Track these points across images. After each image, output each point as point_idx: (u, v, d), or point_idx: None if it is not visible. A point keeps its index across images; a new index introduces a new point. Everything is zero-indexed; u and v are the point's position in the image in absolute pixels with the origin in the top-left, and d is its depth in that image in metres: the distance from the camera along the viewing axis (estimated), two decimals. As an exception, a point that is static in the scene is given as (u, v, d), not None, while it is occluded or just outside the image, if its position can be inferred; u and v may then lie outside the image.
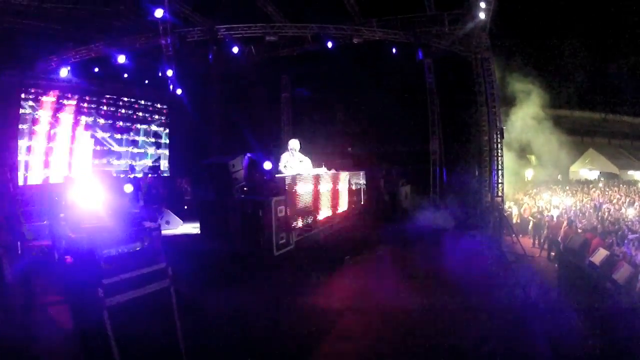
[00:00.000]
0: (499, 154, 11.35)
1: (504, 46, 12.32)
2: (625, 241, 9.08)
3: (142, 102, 14.56)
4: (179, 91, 12.32)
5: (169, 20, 10.71)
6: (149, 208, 10.12)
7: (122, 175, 12.47)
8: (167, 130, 15.36)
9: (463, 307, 5.61)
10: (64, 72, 11.41)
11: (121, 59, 11.36)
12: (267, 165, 6.92)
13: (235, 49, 12.37)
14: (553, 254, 10.12)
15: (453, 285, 6.13)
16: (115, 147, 13.70)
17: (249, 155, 7.59)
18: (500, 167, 11.34)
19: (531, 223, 12.17)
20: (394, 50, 12.16)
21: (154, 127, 14.96)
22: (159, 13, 10.23)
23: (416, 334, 4.95)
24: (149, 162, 14.63)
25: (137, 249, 3.80)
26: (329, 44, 11.78)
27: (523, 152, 17.07)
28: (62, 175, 11.98)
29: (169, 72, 11.62)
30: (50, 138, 12.09)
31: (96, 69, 12.20)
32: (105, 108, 13.48)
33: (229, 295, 5.48)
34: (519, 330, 5.05)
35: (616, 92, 18.45)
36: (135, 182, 11.28)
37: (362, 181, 10.76)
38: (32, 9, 10.25)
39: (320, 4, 11.84)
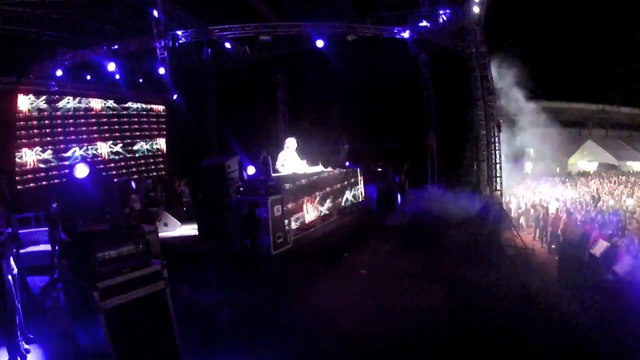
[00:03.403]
0: (497, 148, 11.32)
1: (499, 39, 12.26)
2: (626, 232, 9.05)
3: (138, 104, 14.50)
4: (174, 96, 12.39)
5: (162, 22, 10.67)
6: (147, 210, 10.11)
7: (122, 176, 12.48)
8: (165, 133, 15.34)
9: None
10: (59, 74, 11.37)
11: (111, 66, 11.34)
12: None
13: (229, 48, 12.35)
14: (554, 246, 10.09)
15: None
16: (112, 150, 13.68)
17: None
18: (498, 160, 11.30)
19: (522, 219, 12.18)
20: (388, 47, 12.11)
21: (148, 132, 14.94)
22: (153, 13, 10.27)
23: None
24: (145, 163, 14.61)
25: (133, 251, 3.76)
26: (323, 42, 11.71)
27: (521, 145, 17.01)
28: (60, 180, 11.97)
29: (161, 70, 11.57)
30: (46, 143, 12.04)
31: (90, 73, 12.19)
32: (101, 112, 13.43)
33: (227, 296, 5.46)
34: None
35: (613, 82, 18.41)
36: (133, 183, 11.25)
37: (360, 178, 10.74)
38: (25, 16, 10.25)
39: (314, 2, 11.80)
